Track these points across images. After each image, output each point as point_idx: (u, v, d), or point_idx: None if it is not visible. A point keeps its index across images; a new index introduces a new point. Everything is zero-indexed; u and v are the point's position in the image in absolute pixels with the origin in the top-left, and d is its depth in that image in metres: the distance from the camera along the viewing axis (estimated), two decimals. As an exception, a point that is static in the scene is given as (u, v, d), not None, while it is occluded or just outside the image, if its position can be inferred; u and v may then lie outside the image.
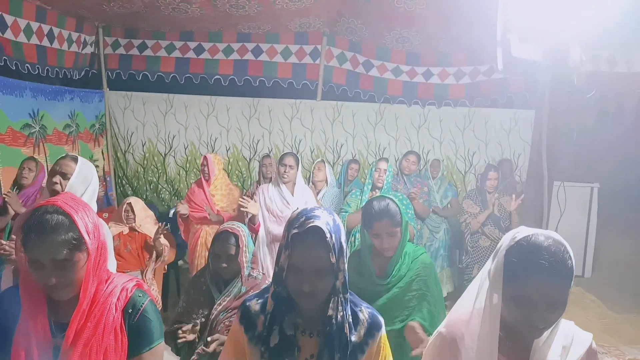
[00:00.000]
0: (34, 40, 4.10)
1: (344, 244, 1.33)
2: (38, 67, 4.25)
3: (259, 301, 1.42)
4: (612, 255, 6.42)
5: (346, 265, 1.34)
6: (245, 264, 2.18)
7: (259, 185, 4.47)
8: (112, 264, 2.16)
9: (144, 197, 5.74)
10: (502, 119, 5.48)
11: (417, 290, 2.08)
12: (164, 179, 5.84)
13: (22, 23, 3.94)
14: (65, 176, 2.11)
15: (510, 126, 5.45)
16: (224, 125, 5.71)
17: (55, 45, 4.36)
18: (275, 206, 3.70)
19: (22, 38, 3.96)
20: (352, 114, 5.62)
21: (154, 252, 3.79)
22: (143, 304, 1.39)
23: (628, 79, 4.69)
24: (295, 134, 5.68)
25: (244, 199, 3.57)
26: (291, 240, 1.29)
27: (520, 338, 1.29)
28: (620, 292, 5.51)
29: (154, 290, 3.86)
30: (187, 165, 5.82)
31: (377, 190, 3.75)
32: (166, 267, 4.18)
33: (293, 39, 5.33)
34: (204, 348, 2.01)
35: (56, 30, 4.36)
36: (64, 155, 2.24)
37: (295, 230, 1.28)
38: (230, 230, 2.21)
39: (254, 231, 3.92)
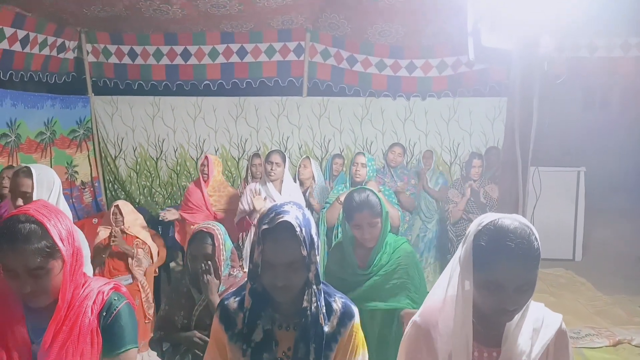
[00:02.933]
0: (4, 45, 4.04)
1: (315, 237, 1.36)
2: (21, 74, 4.21)
3: (237, 299, 1.44)
4: (602, 238, 6.50)
5: (318, 257, 1.37)
6: (222, 263, 2.18)
7: (247, 183, 4.48)
8: (87, 269, 2.18)
9: (137, 201, 5.73)
10: (487, 108, 5.51)
11: (398, 279, 2.11)
12: (157, 183, 5.83)
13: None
14: (25, 195, 2.12)
15: (495, 115, 5.47)
16: (211, 126, 5.71)
17: (27, 50, 4.31)
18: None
19: None
20: (338, 109, 5.63)
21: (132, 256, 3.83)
22: (117, 307, 1.39)
23: (607, 64, 4.75)
24: (282, 132, 5.69)
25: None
26: (262, 236, 1.31)
27: (492, 323, 1.31)
28: (610, 274, 5.57)
29: (147, 291, 3.87)
30: (178, 168, 5.82)
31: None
32: (157, 269, 4.19)
33: (276, 37, 5.33)
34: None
35: (32, 35, 4.31)
36: (15, 171, 2.22)
37: (265, 226, 1.30)
38: (205, 230, 2.21)
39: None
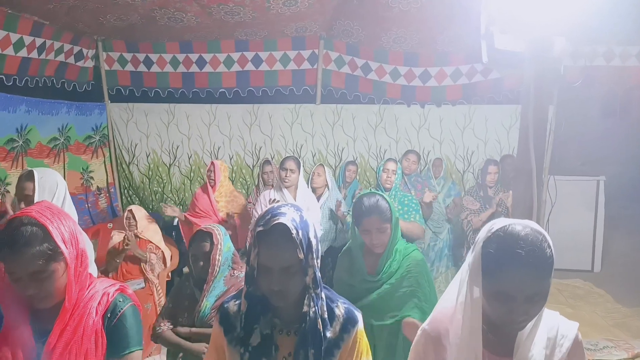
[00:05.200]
0: (23, 53, 4.08)
1: (313, 240, 1.32)
2: (36, 80, 4.26)
3: (237, 302, 1.42)
4: (621, 249, 6.34)
5: (317, 261, 1.33)
6: (217, 262, 2.17)
7: (259, 191, 4.47)
8: (92, 270, 2.20)
9: (150, 207, 5.77)
10: (503, 116, 5.43)
11: (407, 287, 2.06)
12: (169, 189, 5.87)
13: (14, 37, 3.93)
14: (27, 198, 2.14)
15: (511, 123, 5.39)
16: (225, 133, 5.73)
17: (43, 56, 4.34)
18: None
19: (9, 51, 3.94)
20: (352, 117, 5.61)
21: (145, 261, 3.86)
22: (122, 308, 1.39)
23: (621, 72, 4.66)
24: (296, 139, 5.69)
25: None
26: (257, 238, 1.28)
27: (504, 331, 1.27)
28: (629, 286, 5.43)
29: (160, 295, 3.88)
30: (192, 174, 5.85)
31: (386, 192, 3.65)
32: (170, 274, 4.19)
33: (290, 45, 5.34)
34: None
35: (48, 43, 4.35)
36: (19, 176, 2.25)
37: (260, 228, 1.28)
38: (205, 230, 2.24)
39: None
